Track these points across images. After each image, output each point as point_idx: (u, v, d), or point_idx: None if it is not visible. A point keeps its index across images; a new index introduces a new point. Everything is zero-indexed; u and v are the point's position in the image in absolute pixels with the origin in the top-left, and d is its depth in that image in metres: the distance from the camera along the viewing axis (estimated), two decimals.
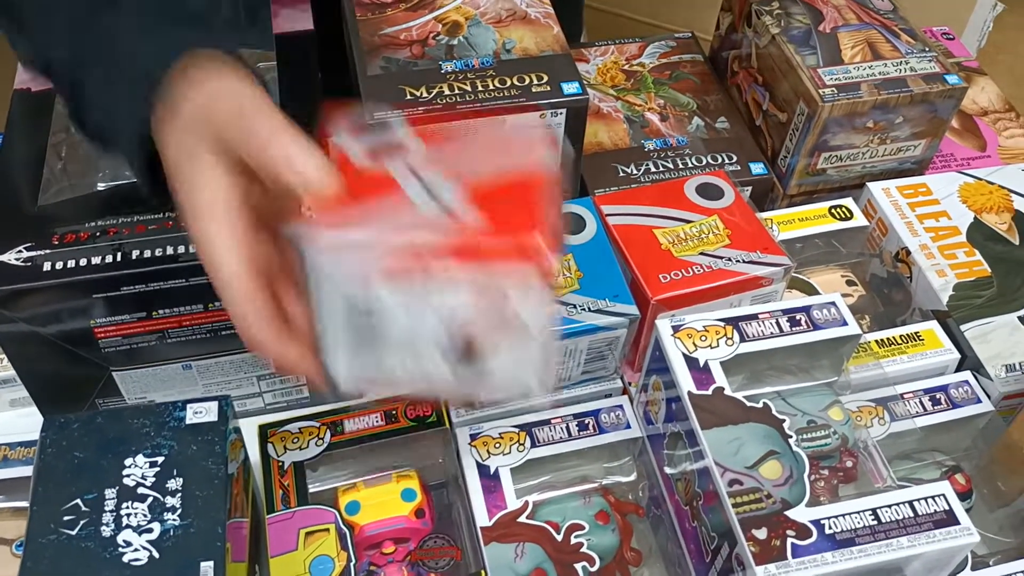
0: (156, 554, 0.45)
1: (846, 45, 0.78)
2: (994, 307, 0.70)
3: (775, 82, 0.79)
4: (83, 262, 0.57)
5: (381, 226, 0.41)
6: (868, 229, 0.76)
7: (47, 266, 0.57)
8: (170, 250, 0.58)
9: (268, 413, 0.70)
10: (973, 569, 0.57)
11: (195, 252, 0.55)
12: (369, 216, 0.42)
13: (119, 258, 0.58)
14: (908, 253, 0.74)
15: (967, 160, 0.86)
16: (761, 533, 0.49)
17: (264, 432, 0.61)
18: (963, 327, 0.69)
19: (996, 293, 0.71)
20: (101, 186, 0.73)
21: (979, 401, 0.67)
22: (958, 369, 0.69)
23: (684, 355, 0.56)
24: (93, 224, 0.60)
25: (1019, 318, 0.70)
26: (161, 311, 0.60)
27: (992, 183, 0.79)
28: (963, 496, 0.65)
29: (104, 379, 0.64)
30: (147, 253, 0.58)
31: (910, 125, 0.77)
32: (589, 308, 0.59)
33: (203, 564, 0.45)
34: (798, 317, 0.58)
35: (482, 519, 0.57)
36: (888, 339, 0.69)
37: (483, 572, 0.55)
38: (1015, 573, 0.57)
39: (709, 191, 0.67)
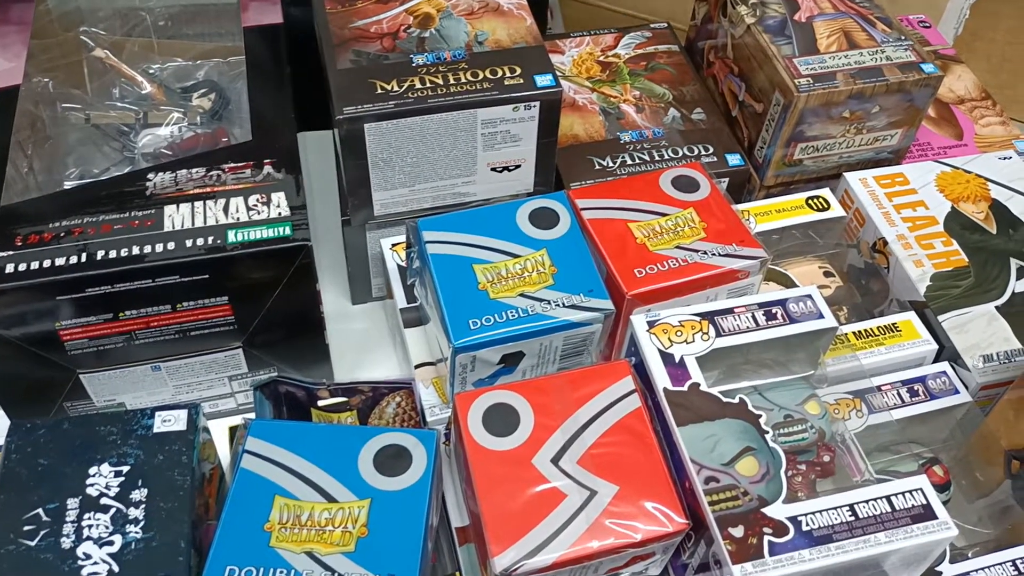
0: (116, 568, 0.44)
1: (822, 34, 0.77)
2: (971, 297, 0.70)
3: (751, 72, 0.78)
4: (47, 263, 0.56)
5: None
6: (845, 219, 0.76)
7: (9, 268, 0.55)
8: (136, 250, 0.57)
9: (240, 413, 0.69)
10: (952, 562, 0.57)
11: (161, 252, 0.54)
12: None
13: (84, 259, 0.56)
14: (885, 243, 0.73)
15: (944, 149, 0.85)
16: (738, 531, 0.49)
17: (234, 433, 0.60)
18: (940, 317, 0.69)
19: (973, 283, 0.71)
20: (68, 184, 0.71)
21: (957, 392, 0.66)
22: (936, 360, 0.69)
23: (659, 351, 0.56)
24: (57, 224, 0.58)
25: (996, 308, 0.70)
26: (128, 312, 0.59)
27: (969, 172, 0.79)
28: (941, 488, 0.64)
29: (71, 382, 0.62)
30: (112, 253, 0.57)
31: (886, 114, 0.76)
32: (563, 304, 0.58)
33: None
34: (774, 311, 0.58)
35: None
36: (865, 331, 0.68)
37: (457, 574, 0.54)
38: (993, 565, 0.57)
39: (684, 184, 0.66)
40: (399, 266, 0.70)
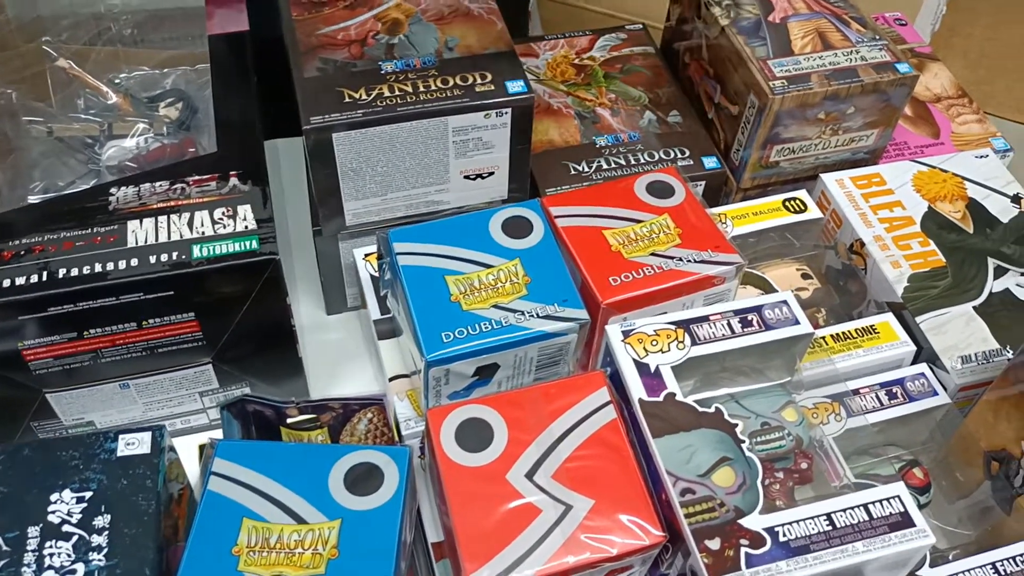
0: None
1: (796, 35, 0.76)
2: (949, 298, 0.70)
3: (726, 74, 0.78)
4: (7, 283, 0.55)
5: None
6: (822, 221, 0.75)
7: None
8: (98, 267, 0.56)
9: (213, 429, 0.68)
10: (932, 565, 0.56)
11: (124, 269, 0.53)
12: None
13: (45, 277, 0.55)
14: (862, 244, 0.73)
15: (921, 148, 0.85)
16: (714, 543, 0.48)
17: (203, 451, 0.59)
18: (918, 319, 0.69)
19: (951, 283, 0.71)
20: (33, 199, 0.70)
21: (936, 394, 0.66)
22: (914, 361, 0.69)
23: (635, 361, 0.55)
24: (17, 242, 0.57)
25: (974, 308, 0.70)
26: (93, 330, 0.58)
27: (946, 171, 0.79)
28: (922, 490, 0.64)
29: (38, 401, 0.61)
30: (74, 271, 0.55)
31: (862, 115, 0.76)
32: (538, 314, 0.58)
33: None
34: (750, 317, 0.57)
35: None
36: (843, 333, 0.68)
37: None
38: (973, 568, 0.56)
39: (659, 189, 0.66)
40: (372, 277, 0.69)
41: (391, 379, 0.64)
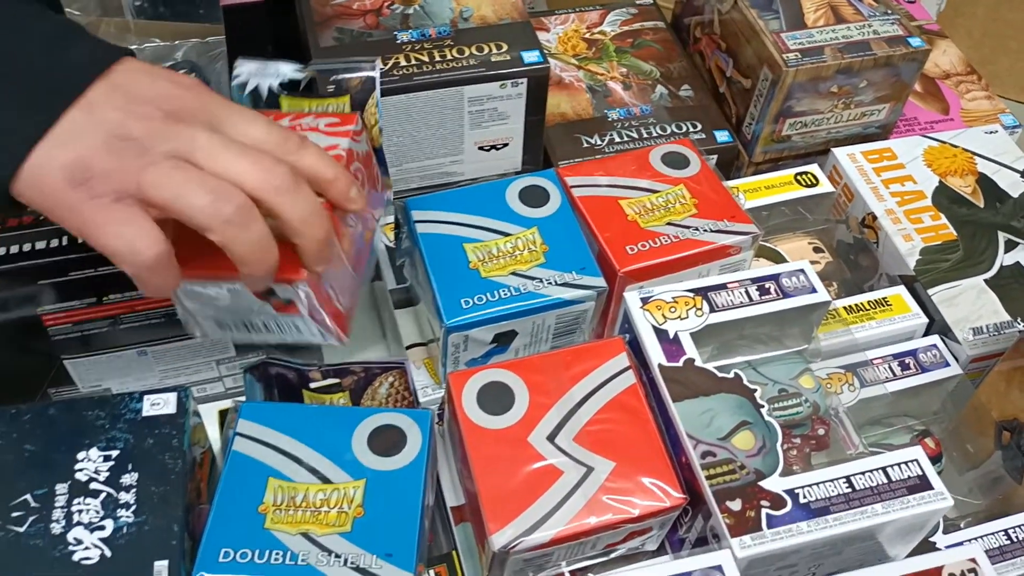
0: (108, 552, 0.43)
1: (808, 9, 0.77)
2: (960, 270, 0.70)
3: (738, 48, 0.78)
4: (27, 247, 0.55)
5: None
6: (834, 195, 0.76)
7: None
8: None
9: (229, 398, 0.68)
10: (944, 532, 0.57)
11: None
12: None
13: (65, 242, 0.55)
14: (874, 218, 0.73)
15: (931, 123, 0.85)
16: (735, 504, 0.49)
17: (224, 417, 0.59)
18: (930, 291, 0.69)
19: (962, 256, 0.71)
20: None
21: (947, 365, 0.67)
22: (926, 333, 0.69)
23: (654, 327, 0.55)
24: None
25: (985, 281, 0.70)
26: (112, 296, 0.58)
27: (956, 146, 0.79)
28: (933, 460, 0.64)
29: (55, 368, 0.61)
30: None
31: (874, 89, 0.76)
32: (556, 282, 0.58)
33: (157, 564, 0.43)
34: (767, 285, 0.58)
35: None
36: (856, 305, 0.68)
37: (454, 552, 0.54)
38: (986, 535, 0.57)
39: (675, 160, 0.66)
40: (387, 247, 0.69)
41: (407, 347, 0.64)
